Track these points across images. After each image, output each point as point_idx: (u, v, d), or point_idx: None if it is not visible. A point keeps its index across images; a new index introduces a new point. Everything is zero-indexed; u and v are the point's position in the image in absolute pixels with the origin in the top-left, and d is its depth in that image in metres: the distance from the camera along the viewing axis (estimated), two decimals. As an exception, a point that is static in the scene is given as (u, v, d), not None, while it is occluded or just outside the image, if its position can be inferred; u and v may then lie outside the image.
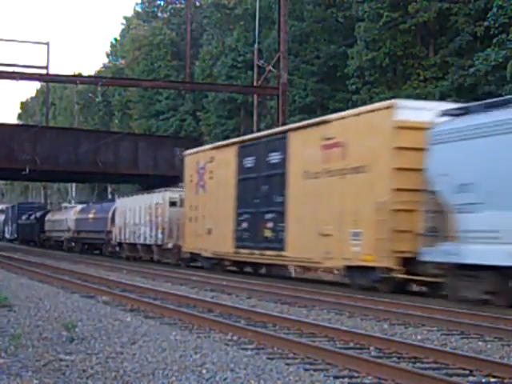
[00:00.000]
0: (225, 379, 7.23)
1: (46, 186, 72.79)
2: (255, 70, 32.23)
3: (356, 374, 7.69)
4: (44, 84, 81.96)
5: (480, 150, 13.42)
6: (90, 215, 39.86)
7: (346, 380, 7.45)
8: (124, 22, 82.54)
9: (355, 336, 9.78)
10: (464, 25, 30.17)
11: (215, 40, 51.56)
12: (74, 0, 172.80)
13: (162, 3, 73.19)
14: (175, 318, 11.80)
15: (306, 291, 16.28)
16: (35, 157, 38.97)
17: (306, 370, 7.82)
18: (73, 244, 43.47)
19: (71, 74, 65.09)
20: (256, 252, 21.22)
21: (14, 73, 31.82)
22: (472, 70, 27.73)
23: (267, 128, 39.27)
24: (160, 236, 29.23)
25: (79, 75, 56.40)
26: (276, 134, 21.32)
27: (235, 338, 9.89)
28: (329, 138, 17.97)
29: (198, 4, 62.29)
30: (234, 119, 49.23)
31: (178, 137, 51.84)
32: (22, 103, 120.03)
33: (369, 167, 16.49)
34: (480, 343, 9.84)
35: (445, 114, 14.67)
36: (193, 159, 26.10)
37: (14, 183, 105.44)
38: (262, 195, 21.11)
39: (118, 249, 34.93)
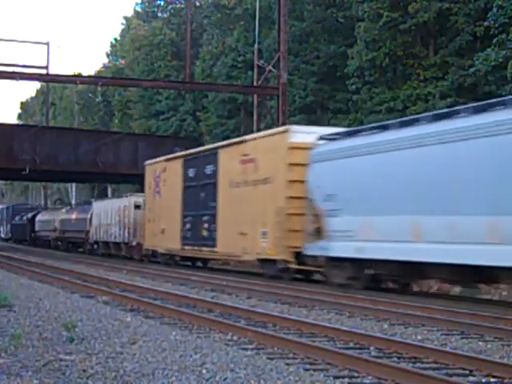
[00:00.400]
0: (225, 379, 7.23)
1: (46, 185, 72.83)
2: (255, 70, 32.26)
3: (356, 374, 7.69)
4: (44, 84, 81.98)
5: (339, 168, 17.46)
6: (73, 216, 43.97)
7: (346, 380, 7.45)
8: (124, 22, 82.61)
9: (355, 336, 9.78)
10: (464, 25, 30.15)
11: (215, 40, 51.55)
12: (74, 0, 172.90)
13: (162, 3, 73.18)
14: (175, 318, 11.80)
15: (305, 291, 16.29)
16: (35, 157, 38.97)
17: (306, 369, 7.82)
18: (59, 243, 47.24)
19: (71, 73, 65.13)
20: (196, 248, 25.31)
21: (13, 73, 31.84)
22: (472, 70, 27.72)
23: (267, 128, 39.32)
24: (126, 235, 32.98)
25: (79, 75, 56.42)
26: (210, 150, 25.31)
27: (235, 338, 9.89)
28: (245, 155, 22.01)
29: (197, 4, 62.29)
30: (234, 119, 49.22)
31: (178, 137, 51.83)
32: (21, 103, 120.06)
33: (272, 179, 20.43)
34: (480, 343, 9.84)
35: (321, 138, 18.58)
36: (151, 169, 30.03)
37: (14, 183, 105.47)
38: (200, 201, 25.00)
39: (95, 246, 38.80)
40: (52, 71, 59.99)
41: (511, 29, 25.92)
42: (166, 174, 28.46)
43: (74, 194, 75.62)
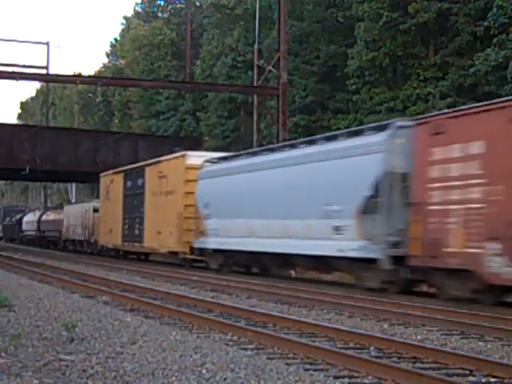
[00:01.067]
0: (225, 379, 7.23)
1: (46, 186, 72.84)
2: (255, 70, 32.25)
3: (356, 374, 7.68)
4: (44, 84, 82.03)
5: (213, 184, 23.76)
6: (50, 218, 50.30)
7: (346, 380, 7.44)
8: (124, 21, 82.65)
9: (355, 336, 9.78)
10: (464, 25, 30.17)
11: (215, 40, 51.57)
12: (74, 0, 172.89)
13: (162, 3, 73.23)
14: (175, 318, 11.79)
15: (305, 291, 16.29)
16: (35, 157, 38.96)
17: (306, 369, 7.82)
18: (41, 241, 53.05)
19: (71, 73, 65.15)
20: (131, 244, 31.55)
21: (13, 73, 31.85)
22: (472, 69, 27.73)
23: (267, 128, 39.37)
24: (87, 234, 39.75)
25: (79, 75, 56.40)
26: (140, 167, 31.35)
27: (235, 338, 9.89)
28: (160, 172, 28.34)
29: (198, 4, 62.31)
30: (233, 119, 49.24)
31: (178, 137, 51.82)
32: (21, 103, 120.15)
33: (175, 191, 26.60)
34: (480, 343, 9.84)
35: (206, 161, 25.05)
36: (104, 179, 36.31)
37: (14, 183, 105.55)
38: (134, 206, 31.28)
39: (67, 243, 44.92)
40: (52, 71, 60.02)
41: (511, 29, 25.93)
42: (113, 185, 34.71)
43: (73, 193, 75.65)
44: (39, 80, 53.39)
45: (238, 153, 24.87)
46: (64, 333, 9.72)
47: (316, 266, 19.52)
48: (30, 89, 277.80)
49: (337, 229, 17.57)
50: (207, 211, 23.90)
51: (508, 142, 13.43)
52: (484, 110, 14.07)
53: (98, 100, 77.36)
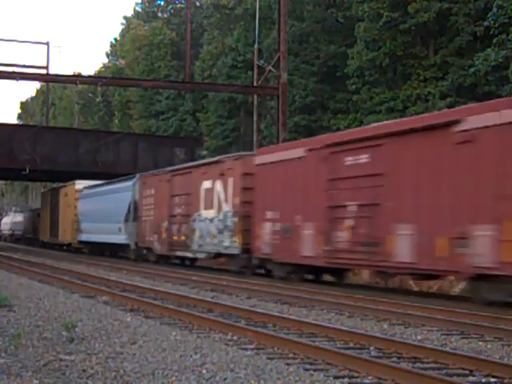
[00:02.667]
0: (225, 379, 7.23)
1: (46, 185, 72.77)
2: (255, 70, 32.23)
3: (356, 374, 7.68)
4: (44, 84, 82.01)
5: (84, 202, 38.53)
6: (18, 219, 64.64)
7: (346, 380, 7.44)
8: (124, 21, 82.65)
9: (355, 336, 9.78)
10: (464, 25, 30.16)
11: (215, 40, 51.58)
12: (74, 0, 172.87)
13: (162, 3, 73.25)
14: (175, 318, 11.79)
15: (305, 291, 16.29)
16: (35, 157, 38.96)
17: (306, 369, 7.82)
18: (13, 238, 66.50)
19: (71, 73, 65.13)
20: (53, 238, 45.58)
21: (13, 73, 31.85)
22: (472, 69, 27.72)
23: (267, 128, 39.38)
24: (34, 232, 54.27)
25: (79, 75, 56.39)
26: (56, 189, 44.64)
27: (235, 338, 9.89)
28: (65, 193, 42.34)
29: (198, 4, 62.31)
30: (233, 119, 49.23)
31: (177, 137, 51.82)
32: (21, 103, 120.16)
33: (71, 205, 41.19)
34: (480, 343, 9.84)
35: (84, 187, 38.98)
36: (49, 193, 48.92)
37: (14, 183, 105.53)
38: (56, 214, 44.61)
39: (26, 240, 58.30)
40: (52, 71, 59.97)
41: (511, 29, 25.91)
42: (66, 197, 44.04)
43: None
44: (39, 80, 53.34)
45: (99, 182, 37.90)
46: (64, 333, 9.72)
47: (111, 249, 36.00)
48: (30, 89, 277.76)
49: (119, 229, 32.48)
50: (81, 218, 38.74)
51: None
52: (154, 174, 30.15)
53: (98, 100, 77.36)
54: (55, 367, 7.73)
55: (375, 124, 19.49)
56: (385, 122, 20.08)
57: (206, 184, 24.56)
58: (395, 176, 15.89)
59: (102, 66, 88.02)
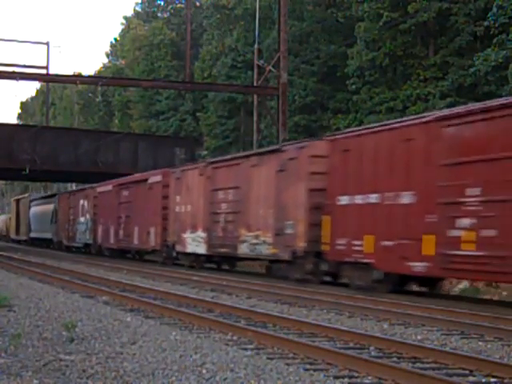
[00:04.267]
0: (225, 379, 7.23)
1: (46, 185, 72.80)
2: (255, 70, 32.23)
3: (356, 374, 7.69)
4: (44, 84, 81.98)
5: (31, 209, 54.64)
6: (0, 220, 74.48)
7: (346, 380, 7.44)
8: (124, 21, 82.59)
9: (355, 336, 9.78)
10: (464, 25, 30.14)
11: (215, 40, 51.54)
12: (74, 0, 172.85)
13: (162, 3, 73.20)
14: (175, 318, 11.80)
15: (306, 291, 16.28)
16: (35, 157, 38.95)
17: (306, 369, 7.82)
18: None
19: (71, 73, 65.13)
20: (18, 235, 60.13)
21: (13, 73, 31.87)
22: (472, 69, 27.70)
23: (267, 128, 39.36)
24: (6, 231, 65.42)
25: (79, 75, 56.41)
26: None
27: (235, 338, 9.89)
28: (24, 203, 57.43)
29: (198, 4, 62.29)
30: (233, 119, 49.20)
31: (178, 137, 51.79)
32: (21, 103, 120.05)
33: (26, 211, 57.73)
34: (480, 343, 9.84)
35: (33, 199, 54.84)
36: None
37: (14, 183, 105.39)
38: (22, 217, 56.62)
39: (2, 237, 67.38)
40: (52, 71, 60.00)
41: (511, 29, 25.90)
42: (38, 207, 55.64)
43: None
44: (39, 80, 53.35)
45: (42, 195, 51.22)
46: (64, 333, 9.72)
47: (45, 242, 48.45)
48: (30, 89, 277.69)
49: (48, 229, 45.76)
50: (31, 221, 53.10)
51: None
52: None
53: (98, 100, 77.20)
54: (55, 367, 7.73)
55: None
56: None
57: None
58: None
59: (102, 65, 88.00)
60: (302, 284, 17.95)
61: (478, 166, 13.50)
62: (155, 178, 29.06)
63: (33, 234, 52.53)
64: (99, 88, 68.64)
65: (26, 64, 47.25)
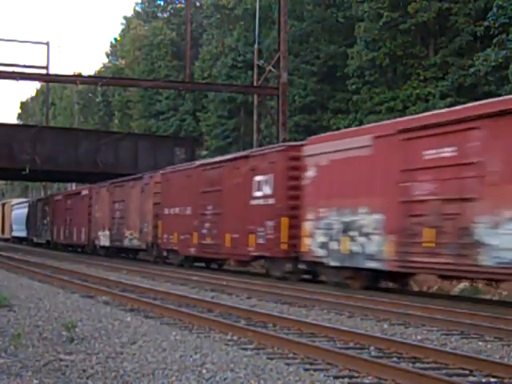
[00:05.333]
0: (225, 379, 7.23)
1: (46, 185, 72.80)
2: (255, 70, 32.22)
3: (356, 374, 7.68)
4: (44, 84, 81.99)
5: (14, 213, 61.64)
6: None
7: (346, 380, 7.44)
8: (124, 22, 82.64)
9: (355, 336, 9.78)
10: (464, 25, 30.16)
11: (215, 40, 51.55)
12: (74, 0, 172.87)
13: (162, 3, 73.21)
14: (175, 318, 11.79)
15: (305, 291, 16.28)
16: (35, 157, 38.95)
17: (306, 369, 7.82)
18: None
19: (71, 73, 65.13)
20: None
21: (14, 73, 31.83)
22: (472, 69, 27.72)
23: (267, 128, 39.37)
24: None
25: (79, 75, 56.37)
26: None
27: (235, 338, 9.89)
28: (9, 208, 65.02)
29: (198, 4, 62.30)
30: (233, 119, 49.21)
31: (178, 137, 51.78)
32: (22, 103, 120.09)
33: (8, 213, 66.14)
34: (480, 343, 9.84)
35: (15, 203, 63.65)
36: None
37: (14, 183, 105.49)
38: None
39: None
40: (52, 71, 60.02)
41: (511, 29, 25.91)
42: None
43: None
44: (39, 80, 53.29)
45: (22, 200, 55.74)
46: (64, 333, 9.71)
47: (24, 240, 56.12)
48: (30, 89, 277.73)
49: (23, 229, 55.78)
50: (12, 222, 60.08)
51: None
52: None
53: (98, 100, 77.31)
54: (55, 367, 7.73)
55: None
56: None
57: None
58: None
59: (102, 65, 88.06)
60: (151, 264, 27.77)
61: (211, 194, 24.15)
62: (84, 191, 39.58)
63: (14, 233, 61.80)
64: (99, 88, 68.80)
65: (26, 64, 47.22)
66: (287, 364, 8.07)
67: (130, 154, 41.23)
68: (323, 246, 18.10)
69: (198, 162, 27.13)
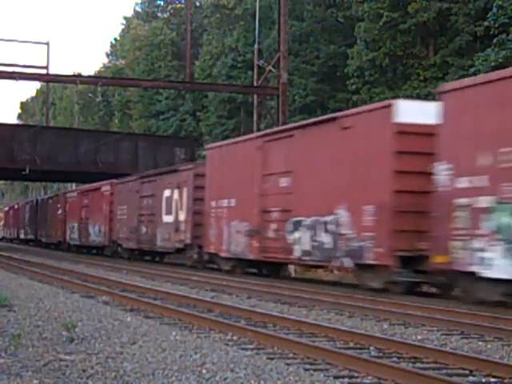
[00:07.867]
0: (225, 379, 7.23)
1: (46, 185, 72.80)
2: (255, 70, 32.20)
3: (356, 374, 7.68)
4: (44, 84, 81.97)
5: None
6: None
7: (346, 380, 7.44)
8: (124, 22, 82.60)
9: (355, 336, 9.78)
10: (464, 25, 30.15)
11: (215, 40, 51.55)
12: (74, 0, 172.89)
13: (162, 3, 73.19)
14: (175, 318, 11.79)
15: (305, 291, 16.28)
16: (35, 157, 38.96)
17: (306, 369, 7.81)
18: None
19: (71, 73, 65.10)
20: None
21: (14, 73, 31.80)
22: (472, 69, 27.70)
23: (267, 128, 39.32)
24: None
25: (79, 75, 56.32)
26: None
27: (235, 338, 9.89)
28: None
29: (198, 4, 62.29)
30: (234, 119, 49.21)
31: (178, 137, 51.79)
32: (22, 103, 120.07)
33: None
34: (480, 343, 9.84)
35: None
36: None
37: (14, 183, 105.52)
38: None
39: None
40: (52, 71, 59.99)
41: (511, 29, 25.91)
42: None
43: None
44: (39, 80, 53.27)
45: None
46: (64, 333, 9.71)
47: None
48: (30, 89, 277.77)
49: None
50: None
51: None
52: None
53: (98, 100, 77.31)
54: (55, 367, 7.73)
55: None
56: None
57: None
58: None
59: (102, 65, 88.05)
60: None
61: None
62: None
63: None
64: (99, 88, 68.83)
65: (26, 64, 47.23)
66: (287, 364, 8.07)
67: (130, 154, 41.25)
68: None
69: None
